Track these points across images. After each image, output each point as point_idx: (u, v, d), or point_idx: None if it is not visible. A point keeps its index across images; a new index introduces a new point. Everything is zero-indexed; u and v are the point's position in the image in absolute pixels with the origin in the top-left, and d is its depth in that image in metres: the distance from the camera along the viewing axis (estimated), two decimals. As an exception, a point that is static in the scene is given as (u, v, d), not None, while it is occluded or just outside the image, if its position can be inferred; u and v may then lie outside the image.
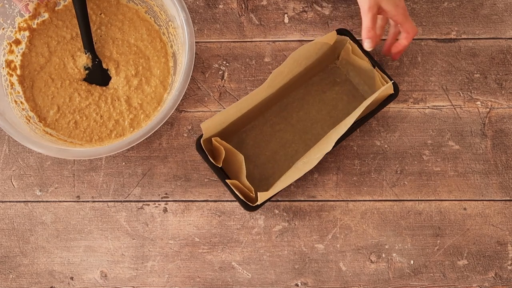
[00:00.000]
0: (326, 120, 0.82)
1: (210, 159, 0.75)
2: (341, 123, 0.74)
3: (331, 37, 0.76)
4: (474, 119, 0.83)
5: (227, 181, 0.73)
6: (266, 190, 0.78)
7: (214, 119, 0.73)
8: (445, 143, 0.82)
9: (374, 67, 0.77)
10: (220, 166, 0.75)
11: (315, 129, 0.82)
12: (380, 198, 0.80)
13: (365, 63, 0.78)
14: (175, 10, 0.77)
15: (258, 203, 0.72)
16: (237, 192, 0.73)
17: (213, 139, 0.75)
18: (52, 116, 0.81)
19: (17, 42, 0.82)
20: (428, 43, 0.85)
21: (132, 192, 0.81)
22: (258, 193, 0.71)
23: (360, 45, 0.78)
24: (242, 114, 0.77)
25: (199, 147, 0.75)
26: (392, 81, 0.75)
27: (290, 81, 0.78)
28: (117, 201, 0.81)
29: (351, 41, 0.78)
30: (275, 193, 0.72)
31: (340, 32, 0.78)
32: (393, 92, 0.76)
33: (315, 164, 0.70)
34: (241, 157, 0.73)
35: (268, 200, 0.74)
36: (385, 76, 0.77)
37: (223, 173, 0.76)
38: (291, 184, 0.80)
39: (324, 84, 0.83)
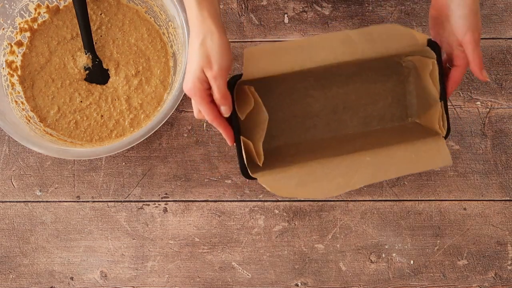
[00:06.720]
0: (360, 111, 0.74)
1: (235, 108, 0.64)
2: (381, 168, 0.66)
3: (421, 38, 0.67)
4: (474, 119, 0.83)
5: (242, 138, 0.64)
6: (265, 148, 0.69)
7: (267, 52, 0.63)
8: (445, 143, 0.82)
9: (441, 101, 0.68)
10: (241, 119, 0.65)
11: (344, 114, 0.74)
12: (380, 198, 0.80)
13: (433, 90, 0.68)
14: (175, 10, 0.77)
15: (261, 184, 0.64)
16: (244, 154, 0.64)
17: (246, 86, 0.65)
18: (53, 116, 0.81)
19: (19, 43, 0.82)
20: (428, 43, 0.85)
21: (132, 192, 0.81)
22: (260, 179, 0.64)
23: (442, 70, 0.68)
24: (290, 72, 0.66)
25: (230, 88, 0.64)
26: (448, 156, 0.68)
27: (353, 61, 0.68)
28: (117, 201, 0.81)
29: (435, 63, 0.67)
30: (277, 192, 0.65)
31: (431, 44, 0.67)
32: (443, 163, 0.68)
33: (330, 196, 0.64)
34: (265, 116, 0.65)
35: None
36: (445, 117, 0.68)
37: (239, 127, 0.65)
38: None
39: (379, 74, 0.74)
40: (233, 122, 0.64)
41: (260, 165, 0.66)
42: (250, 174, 0.65)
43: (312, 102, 0.73)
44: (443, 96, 0.68)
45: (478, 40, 0.64)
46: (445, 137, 0.69)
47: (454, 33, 0.65)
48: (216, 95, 0.61)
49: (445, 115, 0.68)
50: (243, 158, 0.65)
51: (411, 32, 0.66)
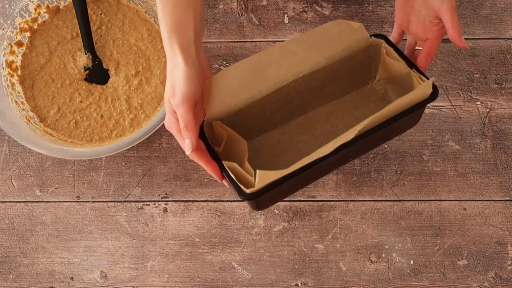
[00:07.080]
0: None
1: (210, 143, 0.64)
2: (373, 117, 0.62)
3: (356, 24, 0.67)
4: (474, 119, 0.83)
5: (224, 162, 0.61)
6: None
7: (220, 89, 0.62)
8: (445, 143, 0.82)
9: (412, 69, 0.67)
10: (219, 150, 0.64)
11: None
12: (380, 198, 0.80)
13: (401, 65, 0.68)
14: (175, 10, 0.77)
15: (257, 185, 0.59)
16: (232, 175, 0.61)
17: (213, 122, 0.65)
18: (53, 116, 0.81)
19: (19, 43, 0.82)
20: (428, 43, 0.85)
21: (132, 192, 0.81)
22: (258, 171, 0.58)
23: (395, 47, 0.69)
24: (254, 103, 0.66)
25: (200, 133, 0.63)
26: (430, 79, 0.65)
27: (311, 76, 0.68)
28: (117, 201, 0.81)
29: (386, 45, 0.69)
30: (276, 177, 0.59)
31: (375, 35, 0.70)
32: (431, 91, 0.65)
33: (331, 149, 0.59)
34: (244, 144, 0.63)
35: (272, 200, 0.65)
36: (423, 77, 0.67)
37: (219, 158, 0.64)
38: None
39: (358, 101, 0.74)
40: (212, 154, 0.63)
41: (253, 178, 0.61)
42: (246, 190, 0.60)
43: (302, 145, 0.72)
44: (411, 64, 0.67)
45: (455, 7, 0.64)
46: (434, 92, 0.65)
47: (429, 4, 0.65)
48: (181, 124, 0.59)
49: (423, 77, 0.66)
50: (234, 180, 0.61)
51: (347, 22, 0.66)
